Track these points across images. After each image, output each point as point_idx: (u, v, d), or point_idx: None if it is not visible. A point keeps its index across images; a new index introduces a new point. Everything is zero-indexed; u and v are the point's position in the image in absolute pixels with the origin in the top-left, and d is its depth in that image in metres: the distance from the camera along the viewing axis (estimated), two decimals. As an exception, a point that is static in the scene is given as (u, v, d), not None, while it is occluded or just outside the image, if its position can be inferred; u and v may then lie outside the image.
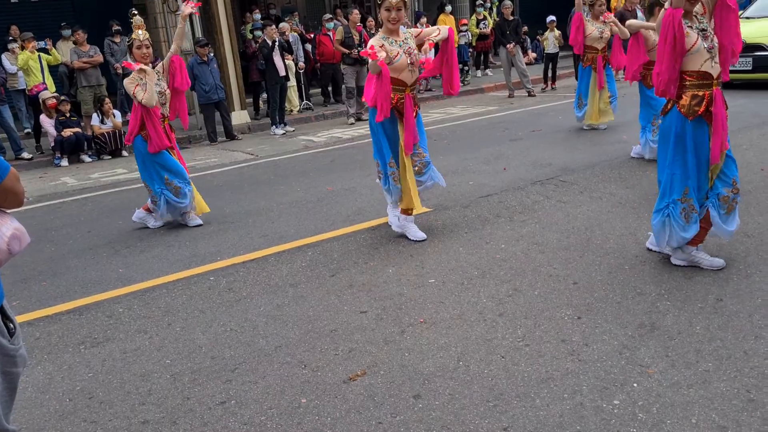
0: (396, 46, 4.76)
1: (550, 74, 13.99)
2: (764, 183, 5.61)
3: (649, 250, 4.40)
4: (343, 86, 12.37)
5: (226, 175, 8.45)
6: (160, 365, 3.49)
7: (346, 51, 12.02)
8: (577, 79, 9.63)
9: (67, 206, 7.48)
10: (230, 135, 11.26)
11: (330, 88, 14.22)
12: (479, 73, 17.16)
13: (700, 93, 3.83)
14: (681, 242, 4.04)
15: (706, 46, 3.78)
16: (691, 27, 3.78)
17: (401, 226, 5.14)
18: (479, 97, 14.24)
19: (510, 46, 13.02)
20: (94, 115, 10.74)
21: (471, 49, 16.35)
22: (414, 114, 4.89)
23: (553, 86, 13.97)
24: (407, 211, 5.07)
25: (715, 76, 3.84)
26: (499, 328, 3.55)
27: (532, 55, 16.78)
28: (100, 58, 11.29)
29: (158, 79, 5.82)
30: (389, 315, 3.82)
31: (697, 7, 3.84)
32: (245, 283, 4.53)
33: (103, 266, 5.17)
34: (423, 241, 5.01)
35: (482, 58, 17.44)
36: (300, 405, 3.01)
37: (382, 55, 4.48)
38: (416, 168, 4.99)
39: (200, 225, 6.05)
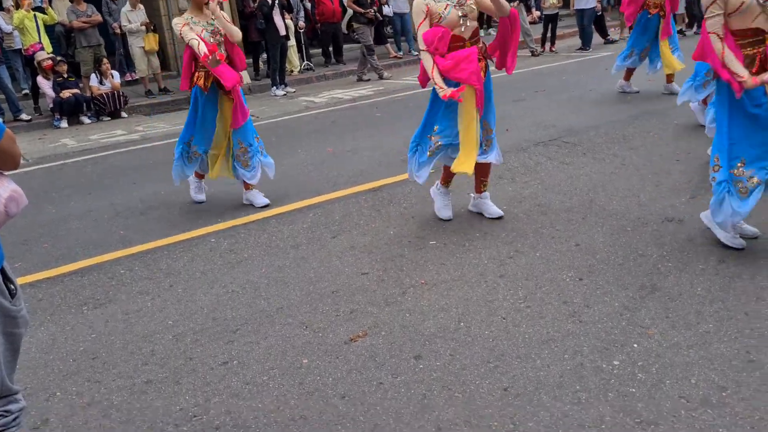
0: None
1: (549, 36, 13.60)
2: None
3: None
4: (361, 46, 12.16)
5: (226, 136, 8.38)
6: (163, 326, 3.51)
7: (361, 11, 11.79)
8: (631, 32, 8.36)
9: (67, 168, 7.45)
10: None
11: (331, 49, 14.04)
12: (482, 32, 16.89)
13: (752, 52, 3.47)
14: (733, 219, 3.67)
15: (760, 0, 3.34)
16: None
17: (437, 203, 4.70)
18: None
19: (514, 4, 12.79)
20: (93, 75, 10.63)
21: (474, 8, 16.07)
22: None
23: (553, 49, 13.51)
24: (449, 180, 4.62)
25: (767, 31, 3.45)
26: (500, 289, 3.55)
27: (536, 13, 16.45)
28: (98, 17, 11.13)
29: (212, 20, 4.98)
30: (390, 276, 3.82)
31: None
32: (246, 244, 4.53)
33: (104, 228, 5.17)
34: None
35: (484, 16, 17.16)
36: (301, 365, 3.03)
37: (448, 91, 4.02)
38: (483, 147, 4.39)
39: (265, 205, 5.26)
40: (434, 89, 4.22)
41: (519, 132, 6.93)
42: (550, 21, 13.48)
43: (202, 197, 5.56)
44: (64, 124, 10.11)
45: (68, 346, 3.40)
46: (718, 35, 3.49)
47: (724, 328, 2.99)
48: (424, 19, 4.13)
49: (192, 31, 4.89)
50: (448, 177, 4.67)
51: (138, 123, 9.99)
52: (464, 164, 4.27)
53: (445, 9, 4.10)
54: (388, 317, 3.37)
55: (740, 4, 3.41)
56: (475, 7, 4.19)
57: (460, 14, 4.14)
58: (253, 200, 5.32)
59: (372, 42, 11.81)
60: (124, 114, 10.57)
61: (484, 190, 4.64)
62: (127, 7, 11.57)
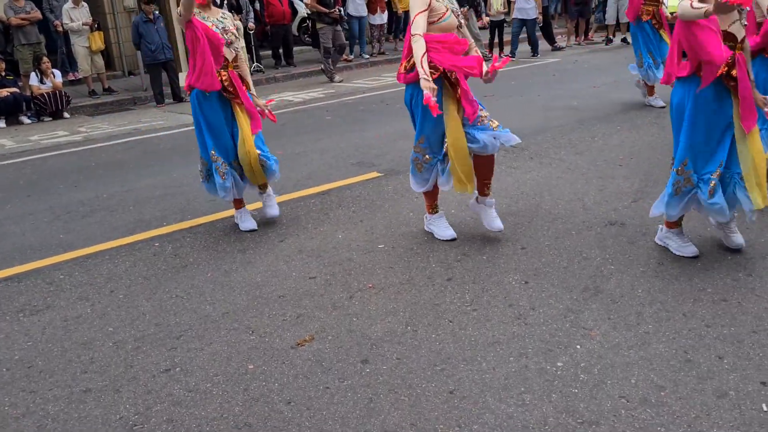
0: (443, 2, 3.91)
1: (496, 41, 13.81)
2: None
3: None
4: (321, 45, 12.05)
5: (173, 138, 8.23)
6: (103, 333, 3.40)
7: (325, 10, 11.67)
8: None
9: (4, 170, 7.18)
10: (178, 97, 10.94)
11: (281, 51, 13.93)
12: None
13: None
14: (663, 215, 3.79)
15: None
16: None
17: (477, 210, 4.32)
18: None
19: (463, 9, 12.91)
20: (33, 74, 10.28)
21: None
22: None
23: (502, 54, 13.79)
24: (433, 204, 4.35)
25: (739, 39, 3.48)
26: (447, 292, 3.57)
27: (486, 19, 16.72)
28: (38, 14, 10.78)
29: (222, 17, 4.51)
30: (338, 280, 3.80)
31: None
32: (192, 248, 4.44)
33: (43, 232, 5.00)
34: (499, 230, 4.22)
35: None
36: (247, 371, 2.98)
37: (432, 91, 3.62)
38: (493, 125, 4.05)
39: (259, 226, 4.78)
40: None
41: (468, 136, 6.99)
42: (496, 27, 13.72)
43: (252, 225, 4.70)
44: (2, 124, 9.75)
45: (2, 354, 3.27)
46: None
47: (663, 329, 3.07)
48: (425, 10, 3.83)
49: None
50: (432, 201, 4.35)
51: (81, 124, 9.71)
52: (462, 183, 3.99)
53: (445, 12, 3.90)
54: (335, 321, 3.35)
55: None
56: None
57: (457, 24, 3.95)
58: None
59: (331, 45, 11.72)
60: (66, 114, 10.26)
61: (488, 193, 4.21)
62: (69, 4, 11.23)
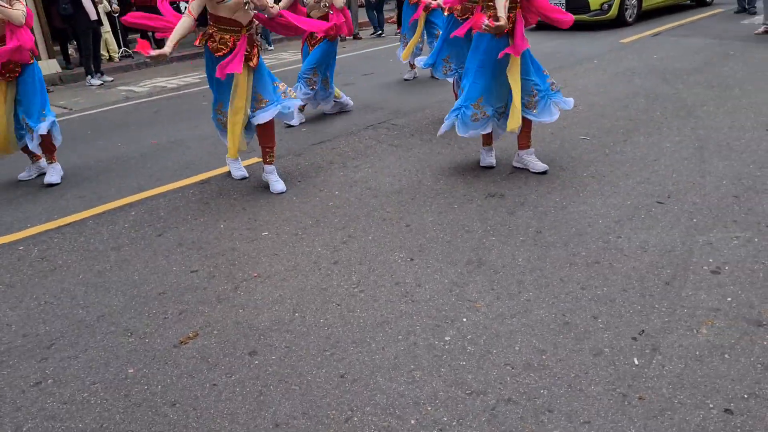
0: None
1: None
2: (576, 120, 6.01)
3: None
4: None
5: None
6: (-39, 350, 3.12)
7: None
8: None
9: None
10: None
11: (150, 34, 13.26)
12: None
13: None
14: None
15: None
16: None
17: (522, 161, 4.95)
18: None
19: None
20: None
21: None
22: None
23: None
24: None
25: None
26: (334, 276, 3.54)
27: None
28: None
29: None
30: (221, 272, 3.68)
31: None
32: (61, 250, 4.15)
33: None
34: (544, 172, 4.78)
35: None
36: (127, 375, 2.82)
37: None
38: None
39: None
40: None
41: (348, 116, 6.97)
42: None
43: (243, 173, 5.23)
44: None
45: None
46: None
47: (543, 295, 3.19)
48: None
49: None
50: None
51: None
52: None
53: None
54: (220, 315, 3.24)
55: None
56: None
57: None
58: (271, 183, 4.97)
59: None
60: None
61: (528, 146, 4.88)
62: None
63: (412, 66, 8.55)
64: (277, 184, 4.88)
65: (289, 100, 4.81)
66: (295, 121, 6.44)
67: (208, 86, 4.99)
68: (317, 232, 4.11)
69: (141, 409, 2.61)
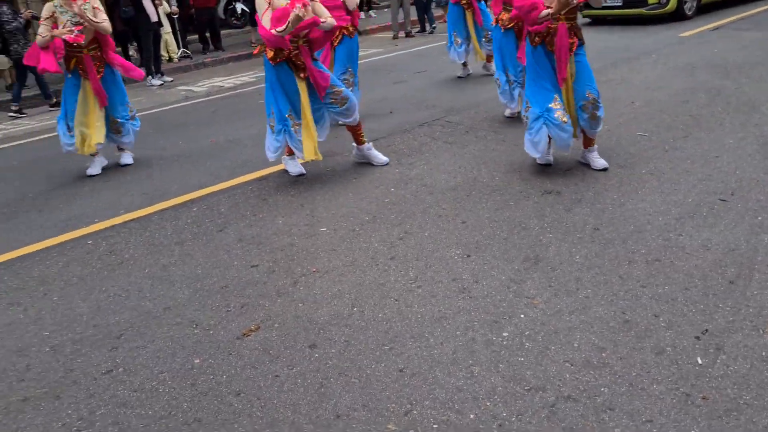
0: None
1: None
2: (634, 116, 5.91)
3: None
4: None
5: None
6: (38, 338, 3.28)
7: None
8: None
9: None
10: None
11: (208, 35, 13.59)
12: (362, 14, 16.92)
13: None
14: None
15: None
16: None
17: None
18: (362, 39, 14.06)
19: None
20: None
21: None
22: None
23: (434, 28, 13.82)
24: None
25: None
26: (391, 271, 3.58)
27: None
28: None
29: None
30: (281, 267, 3.76)
31: None
32: (127, 244, 4.31)
33: (-34, 237, 4.76)
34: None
35: (365, -1, 17.17)
36: (193, 366, 2.92)
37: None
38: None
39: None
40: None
41: (402, 114, 7.00)
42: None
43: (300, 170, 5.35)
44: None
45: (-70, 369, 3.11)
46: None
47: (601, 292, 3.16)
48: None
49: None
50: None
51: (-1, 121, 9.27)
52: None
53: None
54: (280, 309, 3.32)
55: None
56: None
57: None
58: (371, 158, 5.40)
59: None
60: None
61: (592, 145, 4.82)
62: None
63: (465, 64, 8.51)
64: (380, 157, 5.34)
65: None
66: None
67: (267, 98, 5.04)
68: (374, 228, 4.15)
69: (207, 397, 2.70)
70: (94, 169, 5.99)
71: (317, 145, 4.94)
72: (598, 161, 4.74)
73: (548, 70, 4.56)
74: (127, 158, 6.17)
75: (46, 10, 5.61)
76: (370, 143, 5.44)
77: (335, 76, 6.02)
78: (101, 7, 5.71)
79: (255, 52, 4.87)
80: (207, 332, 3.17)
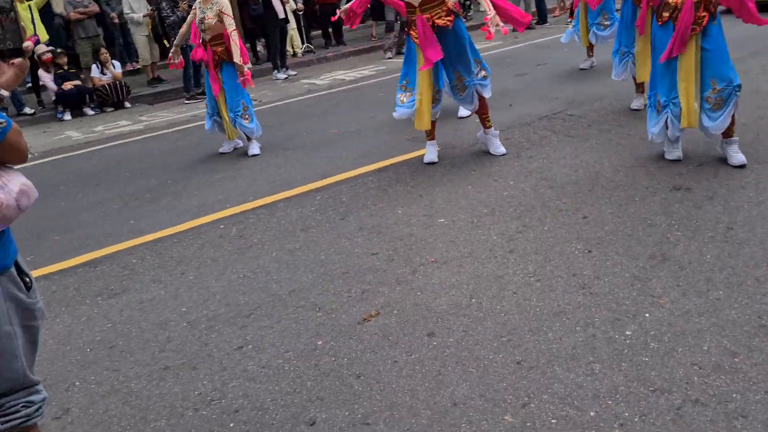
0: None
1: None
2: (776, 108, 5.51)
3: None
4: (386, 21, 12.12)
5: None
6: (177, 313, 3.54)
7: None
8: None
9: (73, 160, 7.47)
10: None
11: (331, 30, 13.95)
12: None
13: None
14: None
15: None
16: None
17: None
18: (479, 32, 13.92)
19: None
20: (94, 66, 10.61)
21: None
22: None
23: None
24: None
25: None
26: (509, 264, 3.57)
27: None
28: (95, 7, 11.06)
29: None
30: (400, 255, 3.84)
31: None
32: (256, 229, 4.55)
33: (114, 219, 5.20)
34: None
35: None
36: (316, 347, 3.06)
37: None
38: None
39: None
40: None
41: (522, 106, 6.90)
42: None
43: (433, 158, 5.46)
44: (67, 116, 10.12)
45: (85, 336, 3.45)
46: None
47: (735, 295, 3.00)
48: None
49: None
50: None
51: (141, 113, 10.00)
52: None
53: None
54: (399, 296, 3.39)
55: None
56: None
57: None
58: (490, 145, 5.49)
59: (393, 19, 11.74)
60: (127, 104, 10.57)
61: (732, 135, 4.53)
62: (130, -6, 11.47)
63: (590, 53, 8.26)
64: (499, 148, 5.38)
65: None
66: (465, 113, 6.52)
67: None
68: (492, 220, 4.15)
69: (329, 378, 2.82)
70: (225, 147, 6.68)
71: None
72: (736, 156, 4.44)
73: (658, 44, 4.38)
74: (254, 149, 6.49)
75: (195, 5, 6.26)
76: (497, 131, 5.53)
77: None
78: (229, 12, 6.12)
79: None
80: (329, 315, 3.31)
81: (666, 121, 4.50)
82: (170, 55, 6.66)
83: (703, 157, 4.68)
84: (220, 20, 6.07)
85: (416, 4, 4.96)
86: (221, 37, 6.14)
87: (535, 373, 2.66)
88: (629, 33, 5.83)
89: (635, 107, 6.13)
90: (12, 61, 1.65)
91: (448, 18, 4.97)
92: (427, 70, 5.02)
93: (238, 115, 6.29)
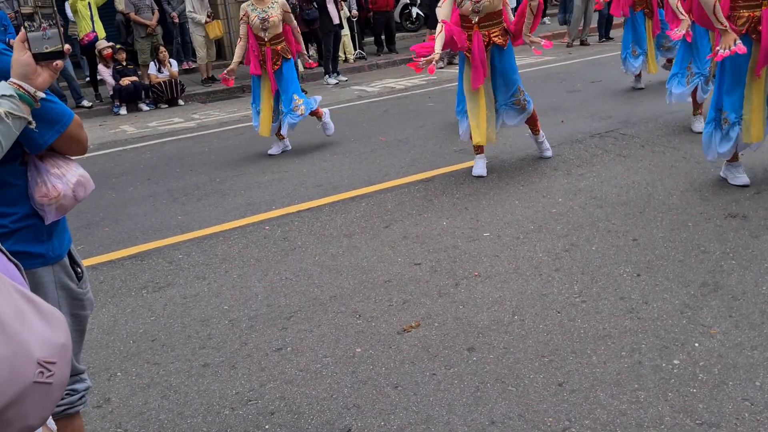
0: None
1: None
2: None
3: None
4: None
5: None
6: (219, 311, 3.58)
7: None
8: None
9: (126, 154, 7.65)
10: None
11: (383, 37, 14.00)
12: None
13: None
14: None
15: None
16: None
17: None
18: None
19: None
20: (152, 64, 10.85)
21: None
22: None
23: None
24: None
25: None
26: (555, 283, 3.50)
27: None
28: (155, 21, 11.21)
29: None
30: (443, 267, 3.81)
31: None
32: (300, 232, 4.57)
33: (163, 213, 5.29)
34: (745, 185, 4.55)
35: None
36: (354, 354, 3.04)
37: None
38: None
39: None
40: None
41: (574, 123, 6.80)
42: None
43: (483, 172, 5.44)
44: (123, 111, 10.36)
45: (128, 327, 3.50)
46: None
47: (792, 330, 2.88)
48: None
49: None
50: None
51: (194, 111, 10.18)
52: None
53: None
54: (441, 308, 3.36)
55: None
56: None
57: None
58: (539, 148, 5.76)
59: None
60: (181, 102, 10.78)
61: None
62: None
63: (639, 76, 8.12)
64: (546, 152, 5.63)
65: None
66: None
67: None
68: (539, 237, 4.08)
69: (366, 386, 2.80)
70: (274, 150, 6.79)
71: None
72: None
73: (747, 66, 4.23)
74: (275, 150, 6.78)
75: (241, 11, 6.32)
76: (544, 135, 5.68)
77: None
78: (289, 9, 6.40)
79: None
80: (369, 323, 3.29)
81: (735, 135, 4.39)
82: (228, 71, 6.63)
83: (761, 185, 4.53)
84: (283, 18, 6.27)
85: (475, 20, 5.02)
86: (281, 36, 6.35)
87: (577, 396, 2.59)
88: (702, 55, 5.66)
89: (697, 130, 5.93)
90: (48, 63, 1.70)
91: (505, 38, 5.12)
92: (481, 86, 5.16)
93: (290, 110, 6.44)
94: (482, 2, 4.98)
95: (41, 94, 1.68)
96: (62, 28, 1.75)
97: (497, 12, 5.07)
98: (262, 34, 6.29)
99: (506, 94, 5.29)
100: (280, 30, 6.32)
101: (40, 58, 1.67)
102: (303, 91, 6.83)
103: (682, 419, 2.41)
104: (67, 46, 1.74)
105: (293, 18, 6.46)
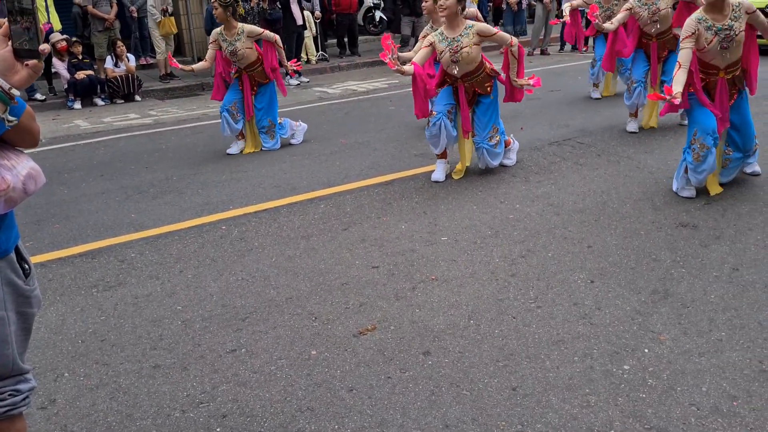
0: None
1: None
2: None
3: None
4: (399, 34, 12.25)
5: (239, 123, 8.37)
6: (172, 311, 3.51)
7: None
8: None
9: (79, 149, 7.46)
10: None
11: (346, 40, 13.99)
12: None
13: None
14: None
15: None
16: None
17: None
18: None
19: (547, 0, 12.76)
20: (108, 58, 10.62)
21: (489, 3, 15.95)
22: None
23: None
24: None
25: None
26: (511, 288, 3.54)
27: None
28: (112, 15, 10.99)
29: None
30: (401, 271, 3.81)
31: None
32: (257, 233, 4.52)
33: (116, 211, 5.17)
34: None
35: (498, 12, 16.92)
36: (310, 357, 3.02)
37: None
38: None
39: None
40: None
41: (533, 131, 6.90)
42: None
43: (440, 177, 5.53)
44: (77, 105, 10.11)
45: (77, 327, 3.41)
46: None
47: (737, 337, 2.96)
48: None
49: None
50: None
51: (151, 107, 9.99)
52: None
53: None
54: (397, 312, 3.36)
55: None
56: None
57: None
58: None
59: (409, 34, 11.85)
60: (137, 97, 10.57)
61: None
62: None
63: (596, 85, 8.35)
64: (510, 160, 5.74)
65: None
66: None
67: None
68: (496, 243, 4.12)
69: (321, 389, 2.78)
70: (233, 149, 6.78)
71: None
72: (752, 166, 4.86)
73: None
74: (233, 149, 6.83)
75: (212, 36, 6.47)
76: (516, 144, 5.87)
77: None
78: (256, 30, 6.52)
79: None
80: (325, 326, 3.27)
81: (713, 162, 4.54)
82: (183, 66, 6.74)
83: (711, 197, 4.65)
84: (250, 46, 6.38)
85: (459, 75, 5.19)
86: (257, 62, 6.50)
87: (530, 400, 2.62)
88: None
89: (632, 130, 6.56)
90: (27, 62, 1.64)
91: (488, 85, 5.28)
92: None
93: (263, 131, 6.69)
94: (461, 52, 5.07)
95: (17, 92, 1.62)
96: (42, 28, 1.70)
97: (478, 65, 5.19)
98: (236, 64, 6.50)
99: (482, 132, 5.35)
100: (254, 58, 6.47)
101: (22, 54, 1.61)
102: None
103: (631, 424, 2.45)
104: (44, 46, 1.68)
105: (269, 33, 6.54)
